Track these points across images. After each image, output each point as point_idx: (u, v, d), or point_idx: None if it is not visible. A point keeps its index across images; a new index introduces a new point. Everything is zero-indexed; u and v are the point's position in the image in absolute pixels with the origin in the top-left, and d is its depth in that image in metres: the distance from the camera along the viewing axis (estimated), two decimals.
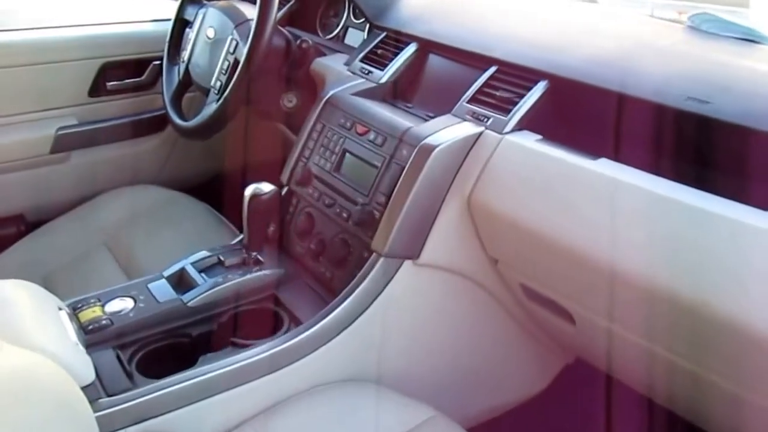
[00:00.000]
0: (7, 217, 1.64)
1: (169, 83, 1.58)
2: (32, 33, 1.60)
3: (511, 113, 1.04)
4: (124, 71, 1.72)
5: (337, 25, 1.57)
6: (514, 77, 1.09)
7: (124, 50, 1.70)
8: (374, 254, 1.05)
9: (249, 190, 1.15)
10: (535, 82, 1.06)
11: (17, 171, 1.61)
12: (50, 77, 1.61)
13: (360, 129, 1.18)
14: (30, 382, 0.64)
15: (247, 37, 1.33)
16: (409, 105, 1.25)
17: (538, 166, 0.97)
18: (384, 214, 1.06)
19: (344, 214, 1.14)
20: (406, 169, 1.05)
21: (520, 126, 1.03)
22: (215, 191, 1.72)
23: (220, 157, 1.83)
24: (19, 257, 1.48)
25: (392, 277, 1.05)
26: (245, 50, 1.32)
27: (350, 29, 1.54)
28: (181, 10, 1.60)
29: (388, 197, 1.06)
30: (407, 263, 1.05)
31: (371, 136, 1.15)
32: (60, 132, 1.63)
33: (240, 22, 1.44)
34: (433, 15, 1.36)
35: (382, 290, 1.04)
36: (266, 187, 1.16)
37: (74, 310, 1.04)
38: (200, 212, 1.57)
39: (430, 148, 1.03)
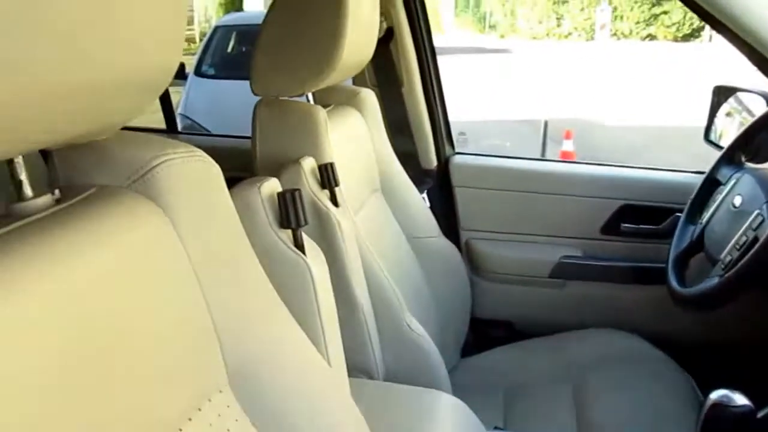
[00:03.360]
0: (499, 321, 1.80)
1: (679, 241, 1.49)
2: (560, 165, 1.74)
3: None
4: (641, 216, 1.70)
5: None
6: None
7: (646, 195, 1.69)
8: None
9: (713, 397, 0.98)
10: None
11: (514, 284, 1.75)
12: (567, 207, 1.71)
13: None
14: None
15: None
16: None
17: None
18: None
19: None
20: None
21: None
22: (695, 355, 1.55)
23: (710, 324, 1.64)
24: (492, 360, 1.62)
25: None
26: None
27: None
28: (715, 168, 1.50)
29: None
30: None
31: None
32: (563, 260, 1.71)
33: None
34: None
35: None
36: (738, 399, 0.97)
37: None
38: (680, 380, 1.44)
39: None
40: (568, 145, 5.42)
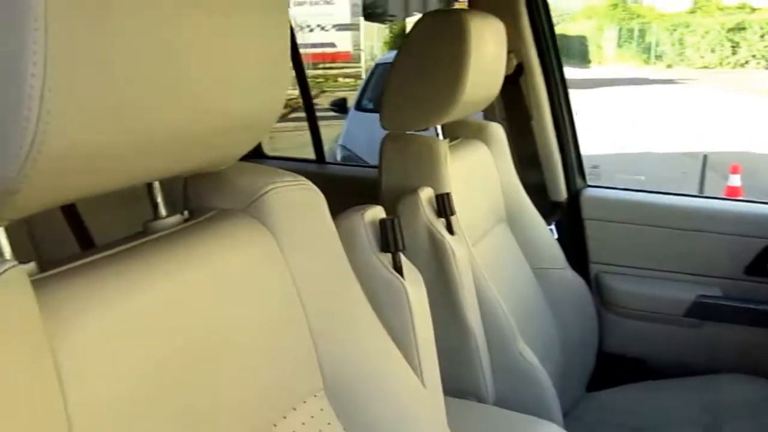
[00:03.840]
0: (629, 357, 1.76)
1: None
2: (701, 201, 1.67)
3: None
4: None
5: None
6: None
7: None
8: None
9: None
10: None
11: (646, 321, 1.70)
12: (707, 244, 1.64)
13: None
14: None
15: None
16: None
17: None
18: None
19: None
20: None
21: None
22: None
23: None
24: (619, 397, 1.60)
25: None
26: None
27: None
28: None
29: None
30: None
31: None
32: (700, 299, 1.64)
33: None
34: None
35: None
36: None
37: None
38: None
39: None
40: (735, 180, 5.04)
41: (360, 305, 0.77)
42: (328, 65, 15.81)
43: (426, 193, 1.20)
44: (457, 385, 1.26)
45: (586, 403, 1.63)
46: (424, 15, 1.31)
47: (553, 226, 1.72)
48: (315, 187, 0.75)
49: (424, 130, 1.32)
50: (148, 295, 0.56)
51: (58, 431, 0.46)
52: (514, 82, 1.70)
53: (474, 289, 1.24)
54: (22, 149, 0.41)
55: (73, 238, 1.39)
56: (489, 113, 1.74)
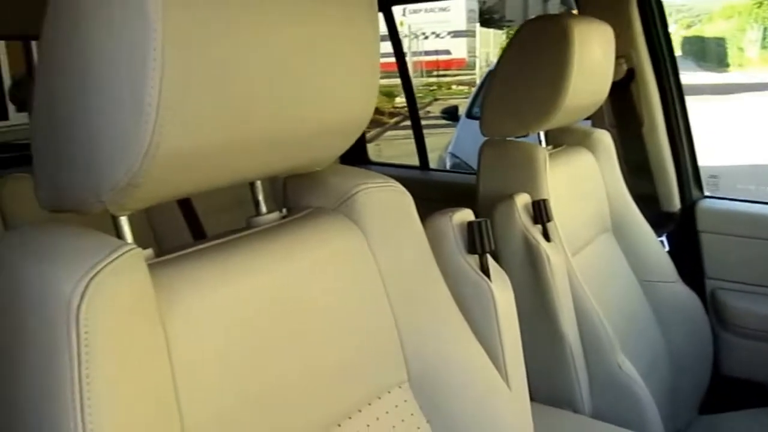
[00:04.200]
0: (750, 381, 1.64)
1: None
2: None
3: None
4: None
5: None
6: None
7: None
8: None
9: None
10: None
11: None
12: None
13: None
14: None
15: None
16: None
17: None
18: None
19: None
20: None
21: None
22: None
23: None
24: (736, 423, 1.50)
25: None
26: None
27: None
28: None
29: None
30: None
31: None
32: None
33: None
34: None
35: None
36: None
37: None
38: None
39: None
40: None
41: (446, 304, 0.79)
42: (441, 73, 15.85)
43: (522, 199, 1.19)
44: (552, 394, 1.24)
45: (698, 425, 1.54)
46: (527, 21, 1.30)
47: (664, 238, 1.64)
48: (403, 189, 0.78)
49: (524, 136, 1.31)
50: (248, 281, 0.62)
51: (166, 390, 0.52)
52: (625, 88, 1.64)
53: (570, 297, 1.21)
54: (143, 147, 0.48)
55: (188, 232, 1.50)
56: (597, 120, 1.69)
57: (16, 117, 5.68)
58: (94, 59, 0.47)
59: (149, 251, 0.58)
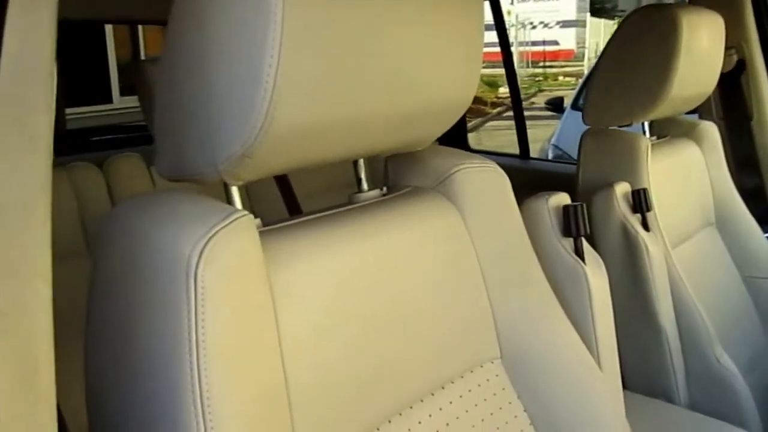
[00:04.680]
0: None
1: None
2: None
3: None
4: None
5: None
6: None
7: None
8: None
9: None
10: None
11: None
12: None
13: None
14: None
15: None
16: None
17: None
18: None
19: None
20: None
21: None
22: None
23: None
24: None
25: None
26: None
27: None
28: None
29: None
30: None
31: None
32: None
33: None
34: None
35: None
36: None
37: None
38: None
39: None
40: None
41: (540, 284, 0.81)
42: (548, 64, 15.49)
43: (622, 188, 1.21)
44: (647, 384, 1.25)
45: None
46: (635, 9, 1.31)
47: None
48: (501, 171, 0.80)
49: (628, 126, 1.32)
50: (348, 251, 0.66)
51: (272, 347, 0.57)
52: (734, 80, 1.61)
53: (669, 288, 1.22)
54: (259, 121, 0.52)
55: (286, 209, 1.61)
56: (705, 112, 1.67)
57: (120, 101, 6.05)
58: (214, 40, 0.52)
59: (258, 220, 0.61)
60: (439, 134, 0.75)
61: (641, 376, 1.25)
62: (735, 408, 1.21)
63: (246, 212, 0.55)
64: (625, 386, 1.28)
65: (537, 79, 13.48)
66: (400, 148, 0.75)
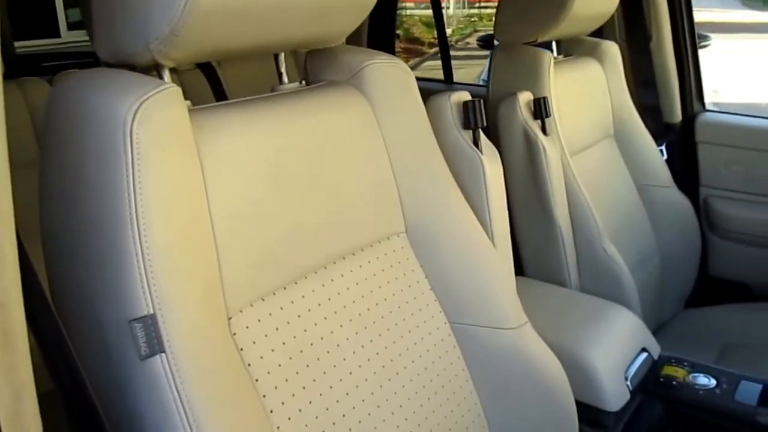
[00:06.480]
0: (734, 281, 1.80)
1: None
2: None
3: None
4: None
5: None
6: None
7: None
8: None
9: None
10: None
11: (754, 246, 1.74)
12: None
13: None
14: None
15: None
16: None
17: None
18: None
19: None
20: None
21: None
22: None
23: None
24: (716, 316, 1.66)
25: None
26: None
27: None
28: None
29: None
30: None
31: None
32: None
33: None
34: None
35: None
36: None
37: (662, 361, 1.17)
38: None
39: None
40: None
41: (441, 170, 0.91)
42: (483, 5, 15.50)
43: (524, 97, 1.33)
44: (544, 273, 1.40)
45: (682, 317, 1.69)
46: None
47: (663, 147, 1.76)
48: (407, 67, 0.90)
49: (533, 42, 1.43)
50: (269, 130, 0.74)
51: (200, 204, 0.64)
52: (637, 2, 1.74)
53: (563, 186, 1.36)
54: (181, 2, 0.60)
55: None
56: (608, 34, 1.79)
57: (68, 35, 5.86)
58: None
59: (188, 102, 0.67)
60: (351, 30, 0.82)
61: (537, 263, 1.40)
62: (620, 297, 1.36)
63: (174, 85, 0.63)
64: (522, 272, 1.44)
65: (472, 19, 13.50)
66: (316, 43, 0.82)
